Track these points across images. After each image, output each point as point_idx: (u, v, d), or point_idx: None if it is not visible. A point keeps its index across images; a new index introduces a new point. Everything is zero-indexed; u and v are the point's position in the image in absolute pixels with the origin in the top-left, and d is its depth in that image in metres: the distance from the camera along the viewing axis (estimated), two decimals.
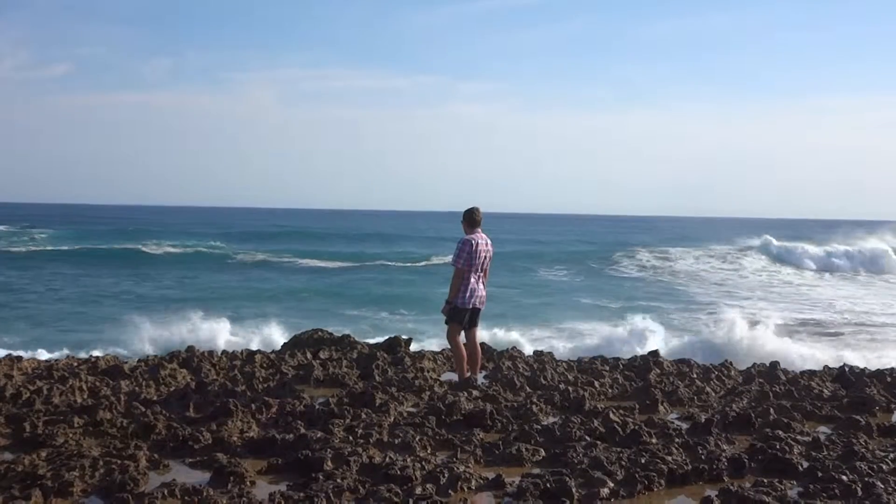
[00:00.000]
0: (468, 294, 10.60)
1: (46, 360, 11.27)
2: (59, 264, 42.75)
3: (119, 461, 6.88)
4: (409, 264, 49.64)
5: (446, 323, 10.79)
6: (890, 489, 6.60)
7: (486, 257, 10.77)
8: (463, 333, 10.81)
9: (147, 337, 17.88)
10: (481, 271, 10.76)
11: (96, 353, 12.56)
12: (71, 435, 7.80)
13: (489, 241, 10.87)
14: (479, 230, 10.77)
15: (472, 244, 10.58)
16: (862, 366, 12.97)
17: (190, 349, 12.34)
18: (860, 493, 6.55)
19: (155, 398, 9.53)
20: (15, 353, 11.84)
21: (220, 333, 19.75)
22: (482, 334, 13.54)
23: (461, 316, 10.65)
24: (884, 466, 7.22)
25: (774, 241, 60.88)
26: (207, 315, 21.05)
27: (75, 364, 11.32)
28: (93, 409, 8.56)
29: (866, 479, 6.80)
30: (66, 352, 12.83)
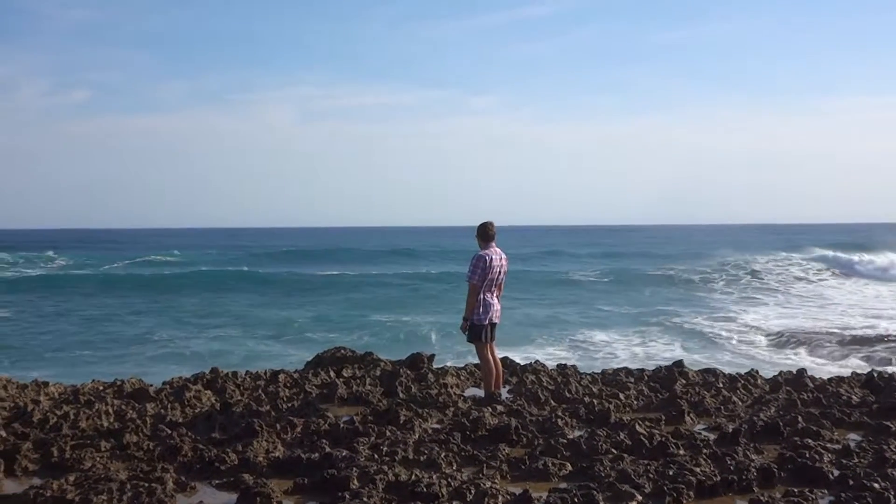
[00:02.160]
0: (483, 310, 10.57)
1: (72, 385, 11.30)
2: (83, 288, 42.93)
3: (146, 484, 6.89)
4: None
5: (469, 341, 10.76)
6: None
7: (500, 272, 10.75)
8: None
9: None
10: (495, 286, 10.73)
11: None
12: (98, 459, 7.82)
13: (504, 256, 10.85)
14: (494, 244, 10.75)
15: (486, 259, 10.55)
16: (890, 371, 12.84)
17: (214, 370, 12.34)
18: (893, 500, 6.49)
19: (180, 420, 9.55)
20: (42, 378, 11.88)
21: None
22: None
23: (482, 332, 10.63)
24: None
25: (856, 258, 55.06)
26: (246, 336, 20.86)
27: (101, 388, 11.35)
28: (119, 433, 8.59)
29: None
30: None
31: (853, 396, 10.83)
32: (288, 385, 11.65)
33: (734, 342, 21.59)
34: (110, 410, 9.67)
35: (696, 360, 17.70)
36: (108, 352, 23.37)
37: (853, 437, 8.69)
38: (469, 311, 10.59)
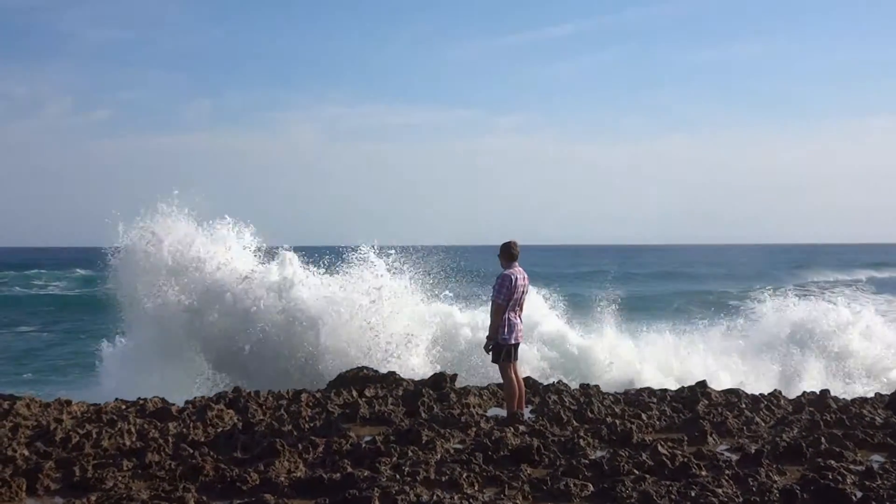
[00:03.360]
0: (507, 329, 10.58)
1: (95, 404, 11.39)
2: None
3: (168, 503, 6.93)
4: None
5: (494, 361, 10.77)
6: None
7: (523, 292, 10.78)
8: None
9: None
10: (518, 306, 10.75)
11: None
12: (120, 478, 7.87)
13: (526, 275, 10.87)
14: (517, 264, 10.77)
15: (511, 279, 10.57)
16: None
17: (237, 389, 12.41)
18: None
19: (202, 440, 9.60)
20: (64, 397, 11.97)
21: None
22: None
23: (506, 352, 10.63)
24: None
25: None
26: None
27: (123, 407, 11.43)
28: (141, 452, 8.65)
29: None
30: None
31: (876, 418, 10.74)
32: (310, 405, 11.68)
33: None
34: (132, 429, 9.74)
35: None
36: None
37: (876, 459, 8.63)
38: (493, 330, 10.61)
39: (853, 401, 12.06)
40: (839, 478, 7.55)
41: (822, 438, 9.20)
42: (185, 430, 10.06)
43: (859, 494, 7.15)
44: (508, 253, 10.72)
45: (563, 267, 76.75)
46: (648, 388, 13.26)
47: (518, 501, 7.18)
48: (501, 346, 10.61)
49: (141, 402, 11.77)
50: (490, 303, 10.70)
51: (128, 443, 9.27)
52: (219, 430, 10.14)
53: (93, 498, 7.16)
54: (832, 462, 8.14)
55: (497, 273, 10.79)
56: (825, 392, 12.55)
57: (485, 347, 10.84)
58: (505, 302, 10.52)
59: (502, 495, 7.32)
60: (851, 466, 8.07)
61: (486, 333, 10.79)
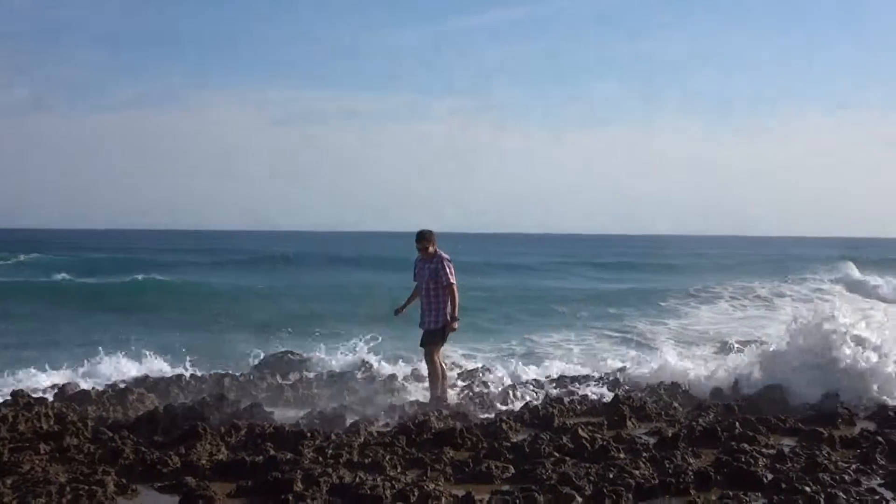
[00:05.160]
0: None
1: (12, 388, 11.16)
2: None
3: (86, 487, 6.83)
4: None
5: (430, 342, 10.82)
6: (852, 500, 6.71)
7: None
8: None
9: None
10: None
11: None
12: (37, 461, 7.73)
13: None
14: None
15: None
16: None
17: (158, 373, 12.31)
18: (823, 503, 6.66)
19: (123, 423, 9.48)
20: None
21: None
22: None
23: (444, 335, 10.80)
24: (846, 477, 7.35)
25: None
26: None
27: (41, 390, 11.24)
28: (59, 435, 8.50)
29: (829, 490, 6.91)
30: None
31: (789, 403, 11.06)
32: (233, 388, 11.63)
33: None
34: (50, 413, 9.57)
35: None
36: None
37: (787, 443, 8.88)
38: (457, 309, 10.72)
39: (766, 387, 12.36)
40: (751, 461, 7.75)
41: (737, 423, 9.45)
42: (104, 413, 9.95)
43: (770, 477, 7.36)
44: (433, 238, 10.88)
45: (500, 256, 76.47)
46: (570, 374, 13.45)
47: (440, 483, 7.24)
48: (445, 329, 10.76)
49: (59, 385, 11.60)
50: (448, 285, 10.82)
51: (45, 426, 9.11)
52: (139, 413, 10.04)
53: (9, 482, 7.02)
54: (745, 445, 8.36)
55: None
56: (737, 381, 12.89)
57: (452, 327, 10.89)
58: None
59: (425, 477, 7.38)
60: (763, 450, 8.29)
61: (453, 314, 10.86)
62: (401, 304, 11.40)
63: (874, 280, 40.85)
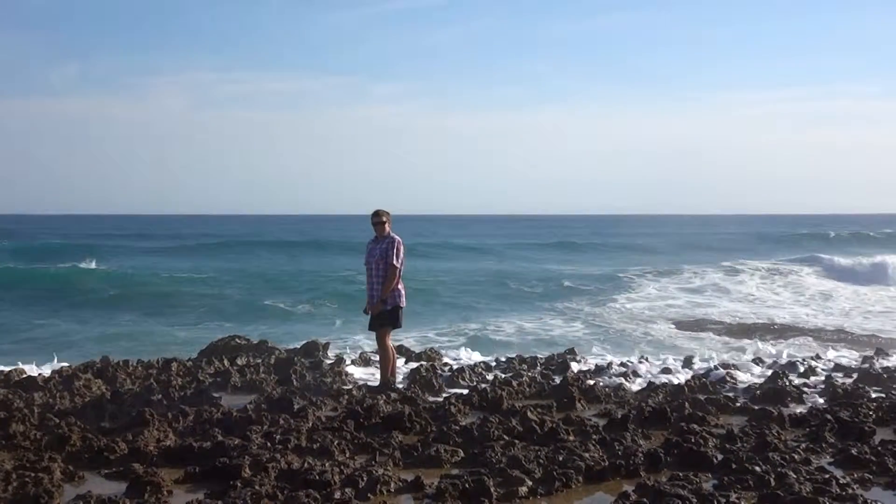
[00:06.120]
0: (403, 294, 10.68)
1: None
2: None
3: (33, 474, 6.67)
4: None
5: (382, 326, 10.68)
6: (801, 479, 6.74)
7: None
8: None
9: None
10: None
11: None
12: None
13: None
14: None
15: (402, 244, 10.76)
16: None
17: (105, 359, 12.08)
18: (773, 483, 6.69)
19: (69, 409, 9.29)
20: None
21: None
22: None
23: (397, 318, 10.69)
24: (795, 456, 7.40)
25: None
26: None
27: None
28: (5, 422, 8.30)
29: (779, 469, 6.95)
30: None
31: (738, 383, 11.16)
32: (181, 373, 11.45)
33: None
34: None
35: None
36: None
37: (737, 423, 8.94)
38: (389, 294, 10.57)
39: (718, 366, 12.47)
40: (701, 441, 7.79)
41: (686, 403, 9.50)
42: (51, 399, 9.74)
43: (720, 457, 7.39)
44: (389, 217, 10.79)
45: (450, 237, 76.37)
46: (519, 356, 13.46)
47: (389, 468, 7.17)
48: (401, 311, 10.66)
49: (5, 371, 11.34)
50: (390, 266, 10.60)
51: None
52: (86, 399, 9.84)
53: None
54: (695, 426, 8.40)
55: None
56: (689, 358, 13.00)
57: (371, 310, 10.72)
58: (402, 267, 10.58)
59: (373, 462, 7.30)
60: (713, 430, 8.34)
61: (380, 297, 10.65)
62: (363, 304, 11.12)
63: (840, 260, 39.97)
